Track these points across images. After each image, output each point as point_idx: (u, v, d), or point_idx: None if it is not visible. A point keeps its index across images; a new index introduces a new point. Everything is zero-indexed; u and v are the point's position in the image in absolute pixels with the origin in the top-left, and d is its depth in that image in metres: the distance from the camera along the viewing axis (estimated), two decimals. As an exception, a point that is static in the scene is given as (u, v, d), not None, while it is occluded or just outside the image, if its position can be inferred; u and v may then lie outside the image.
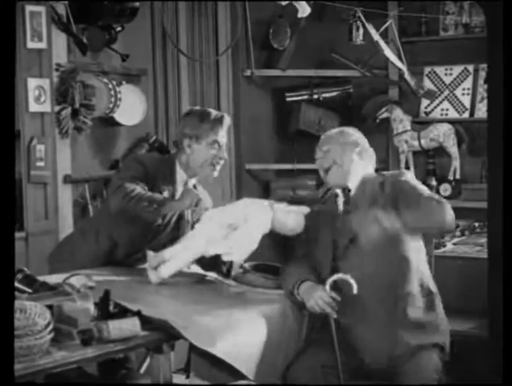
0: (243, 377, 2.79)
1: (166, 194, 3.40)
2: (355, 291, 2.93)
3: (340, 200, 3.15)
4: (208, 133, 3.43)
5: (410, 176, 3.16)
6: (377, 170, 3.27)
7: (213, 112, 3.49)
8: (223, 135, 3.46)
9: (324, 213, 3.20)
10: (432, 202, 2.96)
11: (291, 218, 3.18)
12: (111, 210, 3.33)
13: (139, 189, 3.26)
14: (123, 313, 2.56)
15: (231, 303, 3.02)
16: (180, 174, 3.48)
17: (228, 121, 3.49)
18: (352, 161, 3.17)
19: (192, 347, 2.77)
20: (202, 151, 3.45)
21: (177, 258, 3.16)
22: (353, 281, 2.94)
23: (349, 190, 3.15)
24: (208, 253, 3.16)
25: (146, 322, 2.58)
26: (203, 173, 3.49)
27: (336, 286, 3.00)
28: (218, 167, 3.51)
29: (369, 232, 2.96)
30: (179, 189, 3.44)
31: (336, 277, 2.98)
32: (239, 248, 3.13)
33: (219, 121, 3.45)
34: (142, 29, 4.93)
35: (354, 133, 3.26)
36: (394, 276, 3.05)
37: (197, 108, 3.69)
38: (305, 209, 3.22)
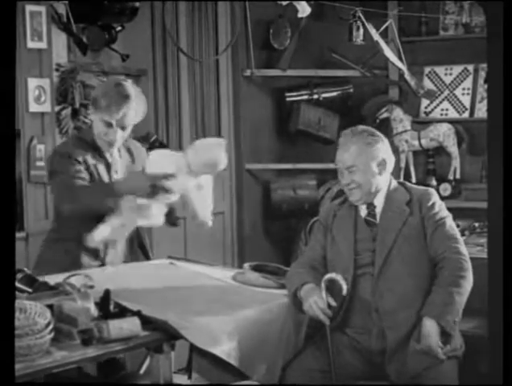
0: (245, 377, 2.79)
1: (102, 167, 3.32)
2: (344, 292, 2.93)
3: (363, 212, 3.14)
4: (104, 109, 3.23)
5: (437, 199, 3.13)
6: (400, 182, 3.25)
7: (121, 88, 3.26)
8: (120, 117, 3.23)
9: (344, 223, 3.16)
10: (466, 264, 2.99)
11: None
12: (68, 214, 3.23)
13: (84, 183, 3.18)
14: (123, 313, 2.55)
15: (232, 303, 3.01)
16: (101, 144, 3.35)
17: (134, 102, 3.25)
18: (375, 175, 3.09)
19: (194, 347, 2.77)
20: (96, 123, 3.29)
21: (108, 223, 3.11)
22: (343, 282, 2.92)
23: (375, 206, 3.13)
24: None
25: (147, 322, 2.59)
26: (100, 145, 3.33)
27: (337, 291, 2.98)
28: (114, 147, 3.35)
29: (398, 249, 3.00)
30: (114, 155, 3.36)
31: (328, 276, 2.96)
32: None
33: (119, 98, 3.23)
34: (142, 29, 4.93)
35: (381, 147, 3.11)
36: (421, 288, 3.04)
37: (122, 79, 3.45)
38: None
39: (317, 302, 2.94)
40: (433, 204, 3.10)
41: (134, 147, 3.52)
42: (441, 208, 3.11)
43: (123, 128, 3.28)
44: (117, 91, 3.24)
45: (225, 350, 2.66)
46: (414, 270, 3.04)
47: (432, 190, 3.17)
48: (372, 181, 3.08)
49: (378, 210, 3.12)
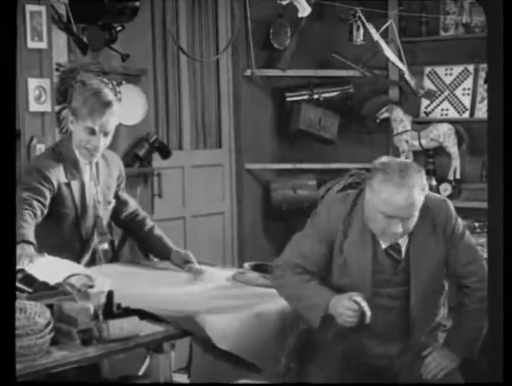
0: (248, 370, 2.80)
1: (75, 184, 3.28)
2: (368, 320, 2.73)
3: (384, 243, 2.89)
4: (86, 117, 3.20)
5: (452, 208, 2.90)
6: None
7: (101, 95, 3.23)
8: (102, 124, 3.21)
9: (360, 248, 2.85)
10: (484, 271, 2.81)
11: None
12: None
13: (28, 217, 3.04)
14: (127, 313, 2.56)
15: (237, 301, 3.04)
16: (80, 156, 3.32)
17: (113, 111, 3.23)
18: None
19: (194, 343, 2.78)
20: (77, 133, 3.25)
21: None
22: (367, 309, 2.72)
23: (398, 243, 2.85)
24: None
25: (160, 320, 2.63)
26: (81, 154, 3.30)
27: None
28: (96, 157, 3.30)
29: (420, 258, 2.81)
30: (85, 170, 3.33)
31: (354, 298, 2.74)
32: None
33: (100, 106, 3.21)
34: (142, 29, 4.93)
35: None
36: (434, 302, 2.97)
37: (95, 82, 3.43)
38: None
39: (350, 312, 2.73)
40: (452, 215, 2.88)
41: (108, 154, 3.49)
42: (457, 217, 2.92)
43: (105, 134, 3.27)
44: (97, 98, 3.23)
45: (235, 345, 2.70)
46: (439, 287, 2.95)
47: (447, 199, 2.94)
48: (415, 220, 2.77)
49: (402, 244, 2.84)
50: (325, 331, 2.90)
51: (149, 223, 3.61)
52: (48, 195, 3.20)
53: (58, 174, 3.26)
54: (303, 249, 2.92)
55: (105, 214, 3.42)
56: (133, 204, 3.61)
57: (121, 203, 3.54)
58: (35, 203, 3.12)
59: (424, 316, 2.93)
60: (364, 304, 2.72)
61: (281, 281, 2.92)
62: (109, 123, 3.25)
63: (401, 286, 2.87)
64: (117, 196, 3.50)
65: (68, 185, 3.29)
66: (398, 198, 2.64)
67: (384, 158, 2.76)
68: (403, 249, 2.84)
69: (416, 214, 2.71)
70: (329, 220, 2.89)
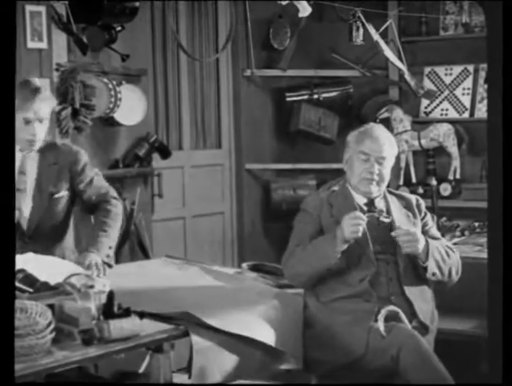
0: (250, 363, 2.84)
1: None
2: (409, 326, 2.99)
3: (361, 201, 3.19)
4: (20, 106, 3.16)
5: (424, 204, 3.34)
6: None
7: (29, 84, 3.24)
8: (35, 111, 3.19)
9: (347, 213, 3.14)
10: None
11: None
12: None
13: None
14: (128, 313, 2.56)
15: (242, 298, 3.08)
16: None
17: (44, 94, 3.22)
18: (389, 173, 3.25)
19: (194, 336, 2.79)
20: (17, 127, 3.18)
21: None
22: (404, 318, 2.99)
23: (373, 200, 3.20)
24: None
25: (167, 319, 2.64)
26: (22, 148, 3.25)
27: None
28: (36, 146, 3.27)
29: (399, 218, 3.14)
30: (17, 164, 3.26)
31: (391, 308, 3.00)
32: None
33: (30, 94, 3.19)
34: (142, 29, 4.93)
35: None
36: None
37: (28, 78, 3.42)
38: None
39: (354, 221, 2.98)
40: (425, 211, 3.30)
41: (61, 146, 3.42)
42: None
43: (40, 120, 3.25)
44: (26, 87, 3.24)
45: (256, 333, 2.78)
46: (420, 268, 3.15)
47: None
48: (388, 177, 3.18)
49: (380, 205, 3.18)
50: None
51: (107, 211, 3.42)
52: None
53: None
54: (299, 236, 3.18)
55: (34, 207, 3.30)
56: (103, 191, 3.45)
57: (88, 189, 3.41)
58: None
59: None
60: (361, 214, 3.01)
61: (291, 265, 3.10)
62: (42, 109, 3.23)
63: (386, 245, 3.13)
64: (78, 185, 3.40)
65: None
66: (369, 140, 3.17)
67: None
68: (384, 209, 3.18)
69: (388, 164, 3.15)
70: (313, 208, 3.20)
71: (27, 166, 3.30)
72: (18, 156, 3.26)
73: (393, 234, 3.04)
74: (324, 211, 3.17)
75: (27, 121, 3.22)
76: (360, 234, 2.98)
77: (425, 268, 3.07)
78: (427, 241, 3.09)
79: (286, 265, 3.14)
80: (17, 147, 3.27)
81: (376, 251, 3.10)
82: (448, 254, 3.17)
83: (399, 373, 2.90)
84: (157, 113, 5.15)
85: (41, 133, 3.26)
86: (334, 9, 5.22)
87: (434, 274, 3.09)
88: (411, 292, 3.10)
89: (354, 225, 2.97)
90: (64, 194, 3.36)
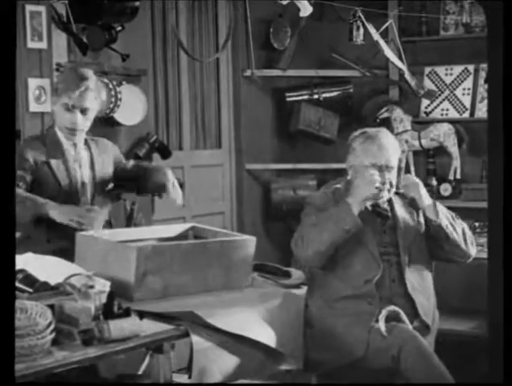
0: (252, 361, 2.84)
1: (56, 164, 3.29)
2: (409, 327, 3.02)
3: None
4: (62, 93, 3.26)
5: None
6: None
7: (76, 71, 3.31)
8: (78, 98, 3.24)
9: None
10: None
11: None
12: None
13: (20, 191, 3.12)
14: (128, 313, 2.56)
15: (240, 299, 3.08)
16: (63, 138, 3.35)
17: (91, 84, 3.27)
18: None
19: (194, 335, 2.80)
20: (57, 112, 3.30)
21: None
22: (406, 319, 3.01)
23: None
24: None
25: (168, 319, 2.65)
26: (64, 135, 3.34)
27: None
28: (77, 135, 3.33)
29: (415, 242, 3.21)
30: (71, 153, 3.35)
31: (392, 308, 3.02)
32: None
33: (73, 81, 3.25)
34: (142, 29, 4.93)
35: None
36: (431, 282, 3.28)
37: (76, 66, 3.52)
38: None
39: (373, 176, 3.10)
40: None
41: (100, 141, 3.52)
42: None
43: (83, 111, 3.28)
44: (74, 73, 3.30)
45: (258, 334, 2.79)
46: (426, 264, 3.23)
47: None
48: (395, 181, 3.22)
49: (385, 205, 3.23)
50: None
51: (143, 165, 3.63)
52: (28, 177, 3.22)
53: (36, 154, 3.28)
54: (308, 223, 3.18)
55: (96, 197, 3.40)
56: (132, 164, 3.62)
57: (125, 173, 3.55)
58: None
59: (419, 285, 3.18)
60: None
61: (306, 237, 3.11)
62: (86, 99, 3.27)
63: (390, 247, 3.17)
64: (120, 171, 3.52)
65: (48, 164, 3.29)
66: (376, 149, 3.17)
67: (360, 130, 3.31)
68: (388, 208, 3.21)
69: (393, 165, 3.17)
70: (320, 203, 3.24)
71: (82, 157, 3.37)
72: (69, 145, 3.32)
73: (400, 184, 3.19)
74: (329, 207, 3.19)
75: (67, 108, 3.26)
76: (376, 187, 3.07)
77: (436, 227, 3.15)
78: (433, 200, 3.18)
79: (299, 243, 3.15)
80: (58, 133, 3.33)
81: (380, 252, 3.11)
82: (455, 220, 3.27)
83: (400, 373, 2.90)
84: (157, 113, 5.15)
85: (83, 123, 3.30)
86: (334, 9, 5.22)
87: (447, 226, 3.17)
88: (414, 288, 3.10)
89: (371, 181, 3.07)
90: (112, 185, 3.43)
